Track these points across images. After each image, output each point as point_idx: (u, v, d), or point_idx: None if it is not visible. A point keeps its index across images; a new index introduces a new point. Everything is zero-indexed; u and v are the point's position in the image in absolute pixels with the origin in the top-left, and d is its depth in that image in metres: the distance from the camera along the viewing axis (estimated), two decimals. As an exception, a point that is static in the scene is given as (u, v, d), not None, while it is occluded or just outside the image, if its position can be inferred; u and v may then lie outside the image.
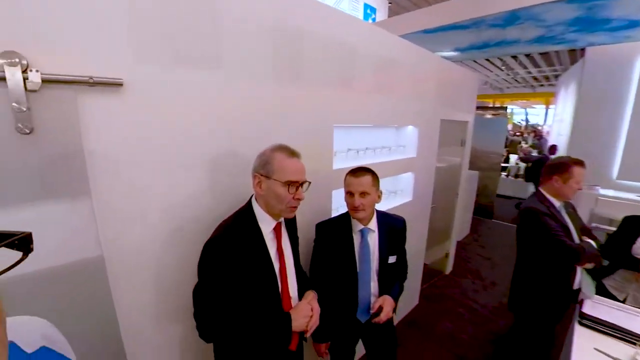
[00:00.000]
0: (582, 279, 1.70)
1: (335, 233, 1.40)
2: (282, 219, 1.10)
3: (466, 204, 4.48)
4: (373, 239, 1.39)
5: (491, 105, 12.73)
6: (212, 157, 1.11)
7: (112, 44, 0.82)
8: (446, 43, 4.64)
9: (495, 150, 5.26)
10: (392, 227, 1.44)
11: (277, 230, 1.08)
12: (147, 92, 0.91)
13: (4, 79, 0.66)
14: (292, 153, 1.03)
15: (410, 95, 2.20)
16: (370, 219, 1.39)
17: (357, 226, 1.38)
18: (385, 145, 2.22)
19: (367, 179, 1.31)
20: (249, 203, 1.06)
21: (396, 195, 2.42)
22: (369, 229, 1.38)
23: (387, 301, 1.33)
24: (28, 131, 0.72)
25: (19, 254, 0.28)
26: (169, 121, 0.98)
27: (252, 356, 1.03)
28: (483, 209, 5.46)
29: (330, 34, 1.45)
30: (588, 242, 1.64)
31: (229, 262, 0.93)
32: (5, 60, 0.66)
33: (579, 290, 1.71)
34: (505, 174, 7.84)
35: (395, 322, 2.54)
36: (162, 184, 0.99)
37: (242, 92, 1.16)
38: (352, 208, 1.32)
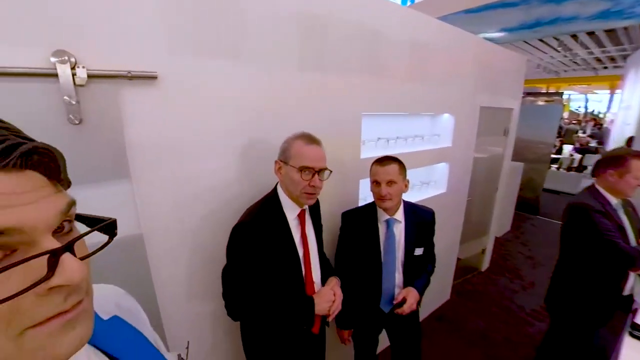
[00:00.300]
0: (635, 285, 1.53)
1: (360, 222, 1.40)
2: (306, 206, 1.12)
3: (507, 198, 4.19)
4: (399, 230, 1.37)
5: (544, 91, 11.55)
6: (241, 145, 1.16)
7: (147, 39, 0.88)
8: (492, 23, 4.26)
9: (545, 140, 4.78)
10: (420, 219, 1.41)
11: (301, 217, 1.11)
12: (179, 84, 0.96)
13: (56, 75, 0.74)
14: (311, 140, 1.03)
15: (447, 81, 2.07)
16: (397, 209, 1.36)
17: (382, 216, 1.36)
18: (419, 134, 2.14)
19: (393, 167, 1.28)
20: (275, 189, 1.10)
21: (429, 186, 2.34)
22: (395, 219, 1.36)
23: (411, 293, 1.31)
24: (77, 122, 0.80)
25: (105, 238, 0.32)
26: (200, 111, 1.03)
27: (276, 336, 1.09)
28: (527, 204, 5.06)
29: (357, 19, 1.41)
30: None
31: (255, 245, 0.97)
32: (57, 59, 0.74)
33: (631, 297, 1.54)
34: (556, 166, 7.14)
35: (423, 316, 2.50)
36: (195, 170, 1.06)
37: (268, 81, 1.18)
38: (379, 197, 1.31)
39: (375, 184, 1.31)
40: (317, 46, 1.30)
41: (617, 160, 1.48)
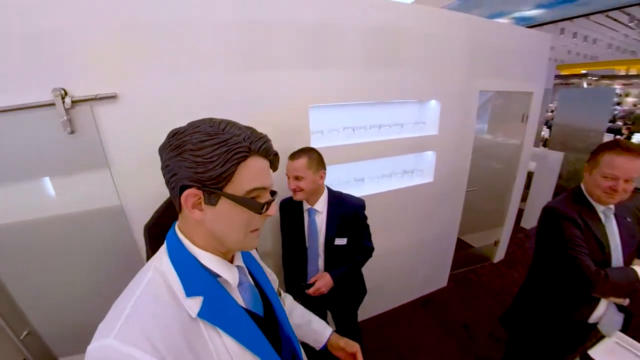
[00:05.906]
0: (606, 312, 1.26)
1: (292, 211, 1.52)
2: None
3: (541, 190, 3.85)
4: (320, 219, 1.46)
5: (623, 74, 9.41)
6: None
7: (109, 69, 1.25)
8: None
9: (596, 127, 4.12)
10: (345, 210, 1.46)
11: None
12: (134, 99, 1.30)
13: (53, 104, 1.18)
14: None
15: (429, 67, 2.00)
16: (317, 200, 1.45)
17: (305, 205, 1.48)
18: (399, 122, 2.12)
19: (300, 162, 1.33)
20: None
21: (413, 174, 2.31)
22: (315, 209, 1.45)
23: (322, 278, 1.40)
24: (71, 133, 1.23)
25: None
26: (154, 117, 1.33)
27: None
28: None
29: (298, 17, 1.50)
30: (630, 269, 1.18)
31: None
32: (54, 94, 1.17)
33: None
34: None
35: (407, 299, 2.55)
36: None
37: (212, 84, 1.41)
38: (291, 190, 1.40)
39: (287, 177, 1.41)
40: (256, 44, 1.45)
41: (592, 154, 1.22)
